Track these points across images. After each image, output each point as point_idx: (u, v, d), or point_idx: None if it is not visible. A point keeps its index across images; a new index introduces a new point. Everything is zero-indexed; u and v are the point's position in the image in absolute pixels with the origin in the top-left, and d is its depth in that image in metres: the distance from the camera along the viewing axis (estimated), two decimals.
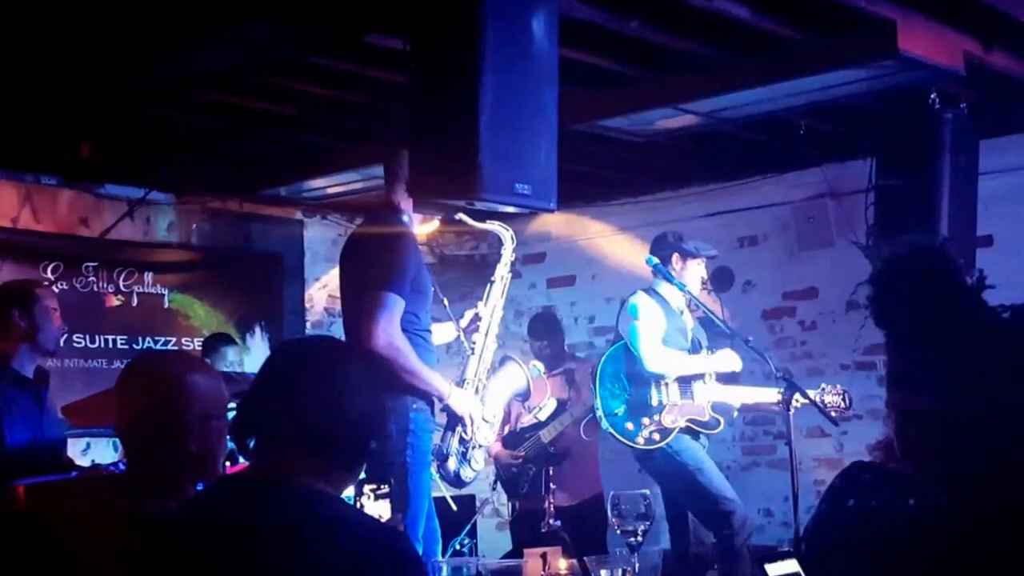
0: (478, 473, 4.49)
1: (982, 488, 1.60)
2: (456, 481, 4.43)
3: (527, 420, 6.34)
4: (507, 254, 4.65)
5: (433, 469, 4.35)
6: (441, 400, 4.30)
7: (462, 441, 4.38)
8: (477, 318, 4.60)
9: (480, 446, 4.43)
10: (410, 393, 4.15)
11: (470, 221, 4.42)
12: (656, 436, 5.27)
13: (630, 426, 5.28)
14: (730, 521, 5.22)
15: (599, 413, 5.33)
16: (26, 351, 4.32)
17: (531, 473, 6.23)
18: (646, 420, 5.27)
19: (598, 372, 5.38)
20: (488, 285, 4.64)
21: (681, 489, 5.36)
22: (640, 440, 5.27)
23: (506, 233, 4.63)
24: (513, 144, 3.69)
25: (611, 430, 5.32)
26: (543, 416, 6.25)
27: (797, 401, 5.05)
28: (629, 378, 5.35)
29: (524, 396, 4.88)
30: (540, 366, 6.37)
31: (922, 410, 1.66)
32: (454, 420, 4.38)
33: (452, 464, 4.37)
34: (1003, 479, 1.60)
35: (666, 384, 5.32)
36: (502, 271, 4.65)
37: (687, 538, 5.45)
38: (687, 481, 5.30)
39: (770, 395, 5.23)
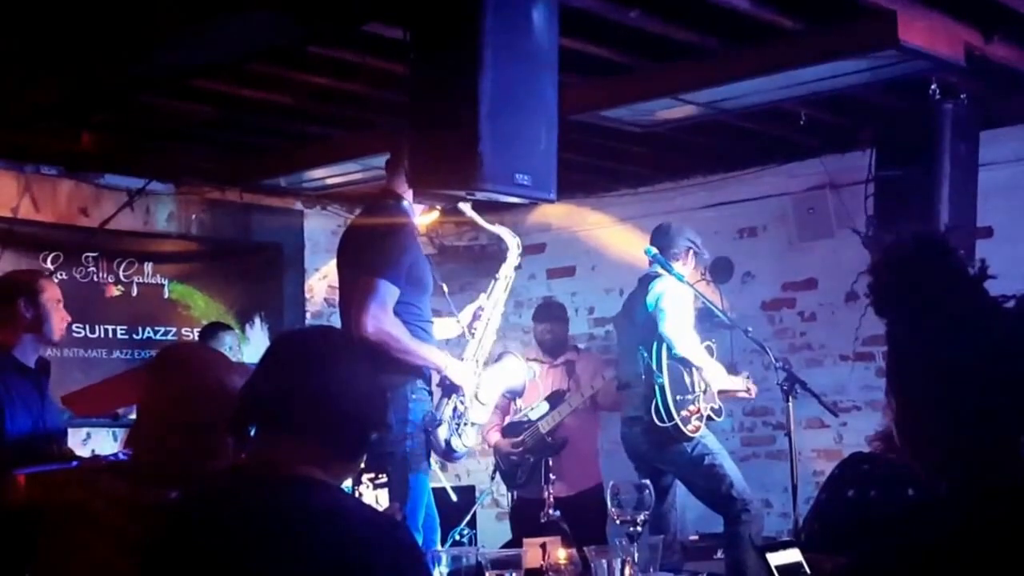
0: (469, 448, 4.45)
1: (981, 478, 1.60)
2: (446, 451, 4.35)
3: (518, 417, 6.37)
4: (512, 257, 4.62)
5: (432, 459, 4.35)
6: (440, 372, 4.30)
7: (456, 413, 4.36)
8: (480, 310, 4.59)
9: (473, 424, 4.41)
10: (409, 371, 4.16)
11: (479, 220, 4.41)
12: (698, 424, 5.33)
13: (685, 413, 5.31)
14: (748, 507, 5.26)
15: (669, 399, 5.29)
16: (30, 341, 4.32)
17: (530, 463, 6.24)
18: (692, 408, 5.33)
19: (664, 363, 5.35)
20: (492, 281, 4.63)
21: (703, 475, 5.38)
22: (690, 428, 5.31)
23: (512, 240, 4.61)
24: (513, 134, 3.68)
25: (676, 419, 5.28)
26: (534, 416, 6.28)
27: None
28: (671, 365, 5.37)
29: (517, 394, 4.87)
30: (537, 368, 6.39)
31: (921, 401, 1.66)
32: (451, 388, 4.36)
33: (444, 431, 4.30)
34: (1002, 470, 1.60)
35: (698, 371, 5.38)
36: (507, 271, 4.63)
37: (669, 527, 5.47)
38: (709, 466, 5.34)
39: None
